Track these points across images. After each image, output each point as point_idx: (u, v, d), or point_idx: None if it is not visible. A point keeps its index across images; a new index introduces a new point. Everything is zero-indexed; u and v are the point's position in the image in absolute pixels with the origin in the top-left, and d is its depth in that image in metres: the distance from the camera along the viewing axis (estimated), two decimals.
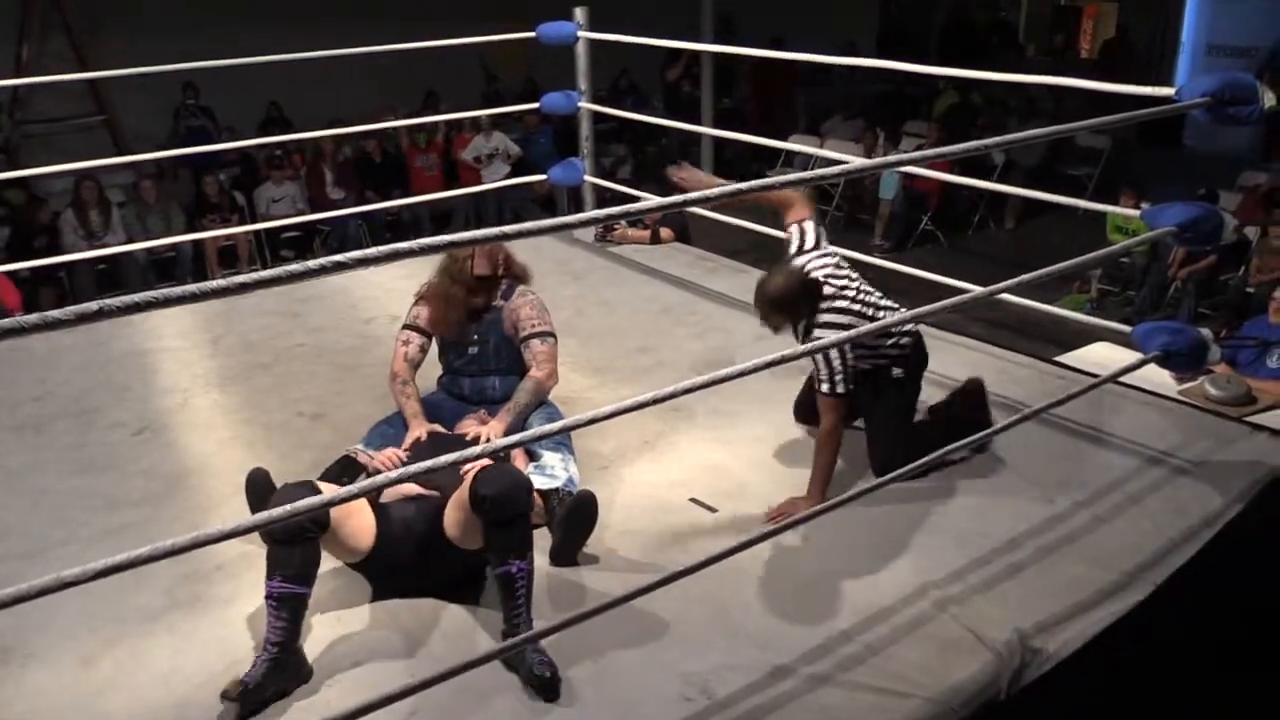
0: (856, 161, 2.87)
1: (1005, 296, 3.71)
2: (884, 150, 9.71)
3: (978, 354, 4.04)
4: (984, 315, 5.90)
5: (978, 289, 3.13)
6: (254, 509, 2.80)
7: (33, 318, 1.31)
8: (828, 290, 3.03)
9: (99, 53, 9.16)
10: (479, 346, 3.35)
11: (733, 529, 2.91)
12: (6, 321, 1.38)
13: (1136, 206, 7.37)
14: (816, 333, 3.00)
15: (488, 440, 3.01)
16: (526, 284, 3.45)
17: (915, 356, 3.20)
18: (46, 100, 9.51)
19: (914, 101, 12.03)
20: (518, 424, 3.15)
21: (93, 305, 1.28)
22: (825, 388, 2.96)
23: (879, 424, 3.20)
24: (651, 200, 2.31)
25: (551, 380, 3.30)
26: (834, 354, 2.93)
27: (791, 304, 3.00)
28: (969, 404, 3.32)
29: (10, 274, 6.58)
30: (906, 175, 8.71)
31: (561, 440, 3.19)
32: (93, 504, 3.18)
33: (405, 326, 3.40)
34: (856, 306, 3.03)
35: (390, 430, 3.25)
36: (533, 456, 3.13)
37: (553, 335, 3.36)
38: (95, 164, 6.87)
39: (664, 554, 2.80)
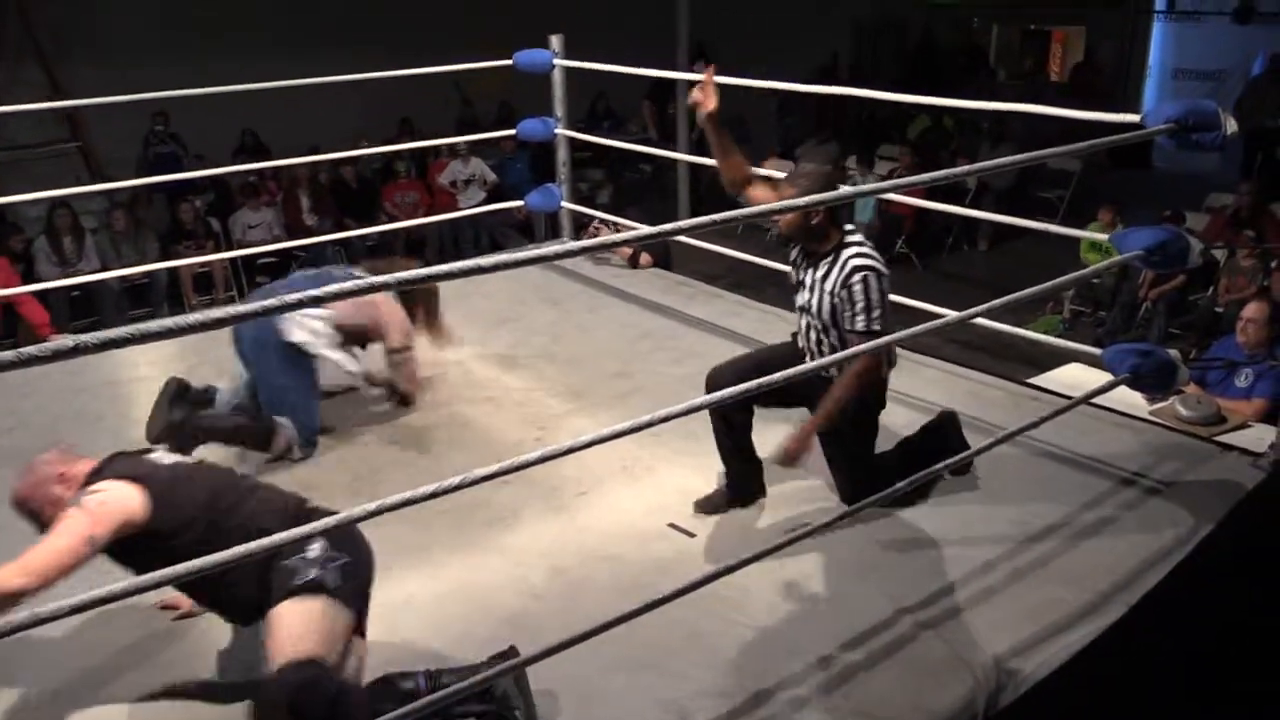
0: (846, 189, 2.87)
1: (979, 319, 3.76)
2: (860, 174, 9.80)
3: (952, 376, 4.08)
4: (957, 337, 5.96)
5: (952, 313, 3.16)
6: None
7: (8, 355, 1.31)
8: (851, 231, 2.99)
9: (72, 79, 9.12)
10: None
11: (710, 554, 2.92)
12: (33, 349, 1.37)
13: (1115, 223, 7.48)
14: (854, 262, 2.90)
15: None
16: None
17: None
18: (19, 127, 9.45)
19: (886, 125, 12.17)
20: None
21: (68, 341, 1.28)
22: (863, 324, 2.87)
23: (844, 443, 3.09)
24: (639, 230, 2.31)
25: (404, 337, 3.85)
26: (874, 285, 2.87)
27: (826, 184, 2.86)
28: (933, 438, 3.29)
29: None
30: (881, 199, 8.79)
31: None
32: None
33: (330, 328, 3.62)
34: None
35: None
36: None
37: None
38: (66, 192, 6.83)
39: (643, 580, 2.79)
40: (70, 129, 9.67)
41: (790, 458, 2.87)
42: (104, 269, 7.93)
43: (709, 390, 3.06)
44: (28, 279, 7.55)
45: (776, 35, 12.10)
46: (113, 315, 8.06)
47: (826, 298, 2.95)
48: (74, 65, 9.29)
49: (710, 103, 3.10)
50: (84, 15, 9.51)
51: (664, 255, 5.67)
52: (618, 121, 11.97)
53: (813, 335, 3.05)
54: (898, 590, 2.74)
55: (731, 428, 3.14)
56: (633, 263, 5.54)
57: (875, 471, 3.00)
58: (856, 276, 2.88)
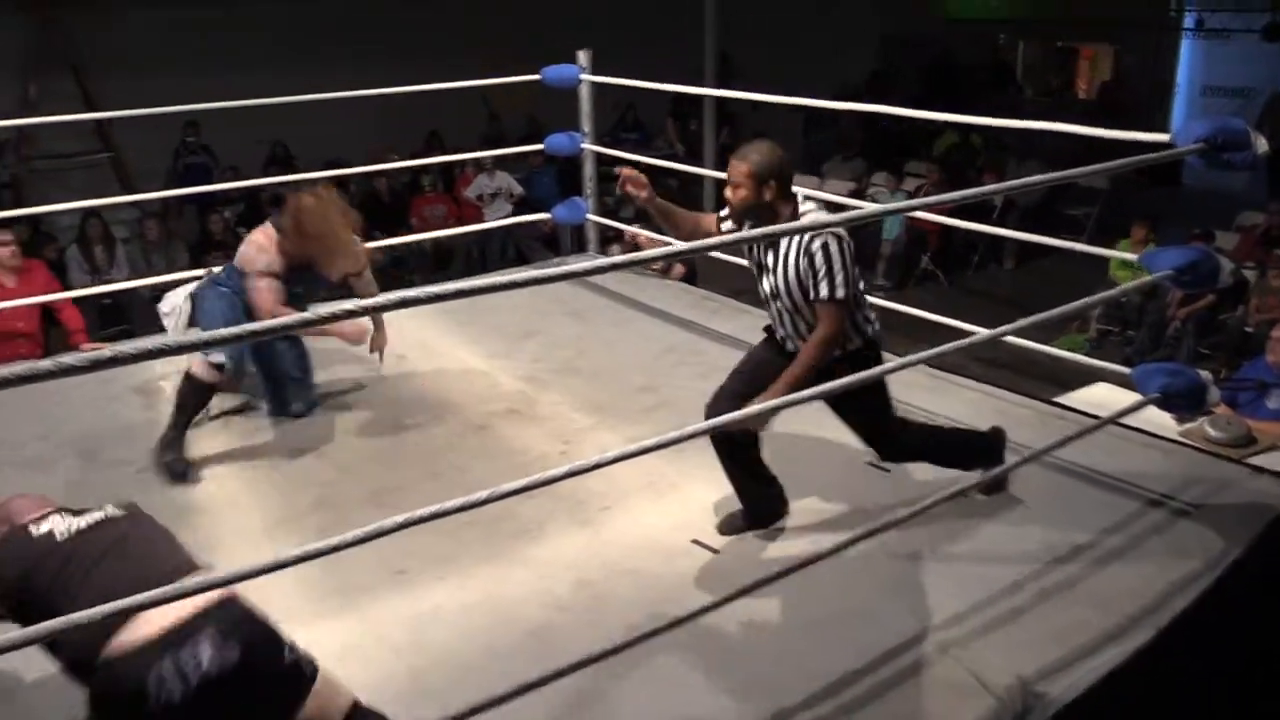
0: (872, 207, 2.88)
1: (1012, 340, 3.75)
2: (887, 190, 9.81)
3: (978, 394, 4.06)
4: (982, 355, 5.93)
5: (979, 330, 3.15)
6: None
7: (46, 364, 1.33)
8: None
9: (105, 91, 9.26)
10: (303, 290, 3.81)
11: (734, 571, 2.91)
12: (20, 368, 1.40)
13: (1147, 240, 7.42)
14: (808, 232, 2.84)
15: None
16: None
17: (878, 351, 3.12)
18: (53, 137, 9.61)
19: (912, 141, 12.15)
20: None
21: (106, 352, 1.30)
22: (825, 291, 2.81)
23: (869, 409, 3.03)
24: (675, 246, 2.32)
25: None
26: (835, 250, 2.81)
27: (772, 169, 2.84)
28: (978, 437, 3.31)
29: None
30: (908, 215, 8.78)
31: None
32: None
33: (261, 275, 3.68)
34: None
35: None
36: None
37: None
38: (98, 202, 6.93)
39: (667, 595, 2.80)
40: (102, 140, 9.82)
41: (745, 428, 2.87)
42: (134, 278, 8.03)
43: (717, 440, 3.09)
44: (64, 287, 7.65)
45: (802, 51, 12.12)
46: (143, 323, 8.14)
47: (791, 273, 2.87)
48: (106, 78, 9.43)
49: (643, 192, 3.07)
50: (116, 29, 9.65)
51: (692, 266, 5.71)
52: (644, 136, 12.01)
53: (786, 320, 2.99)
54: (922, 609, 2.73)
55: (735, 453, 3.11)
56: (664, 273, 5.58)
57: (902, 432, 3.08)
58: (816, 244, 2.81)
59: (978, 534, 3.09)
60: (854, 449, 3.24)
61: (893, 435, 3.12)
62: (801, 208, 2.91)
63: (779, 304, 2.98)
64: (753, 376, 3.03)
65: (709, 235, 3.11)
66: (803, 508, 3.22)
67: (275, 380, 4.02)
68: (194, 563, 2.19)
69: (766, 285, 2.99)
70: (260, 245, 3.69)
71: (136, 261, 8.53)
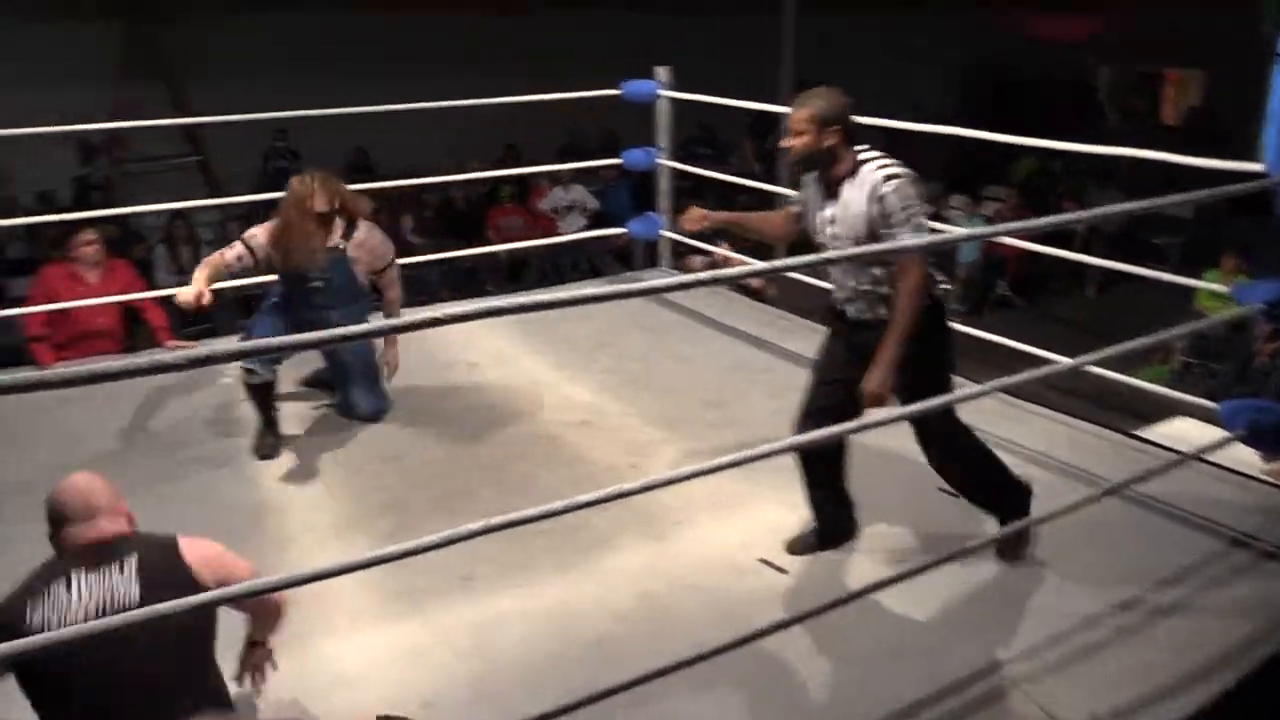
0: (958, 231, 2.81)
1: (1093, 369, 3.67)
2: (965, 214, 9.67)
3: (1054, 424, 3.97)
4: (1061, 384, 5.79)
5: (1058, 358, 3.09)
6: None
7: (142, 360, 1.37)
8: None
9: (195, 96, 9.55)
10: (324, 282, 3.86)
11: (802, 592, 2.89)
12: (116, 364, 1.44)
13: (1238, 271, 7.20)
14: (880, 173, 2.73)
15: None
16: (360, 218, 3.94)
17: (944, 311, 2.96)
18: (144, 141, 9.93)
19: (990, 166, 11.97)
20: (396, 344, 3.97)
21: (202, 350, 1.34)
22: (906, 234, 2.68)
23: (930, 374, 2.84)
24: (755, 265, 2.31)
25: (401, 296, 4.10)
26: (909, 190, 2.70)
27: (835, 114, 2.74)
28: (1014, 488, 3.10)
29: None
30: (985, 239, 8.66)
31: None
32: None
33: (241, 240, 3.85)
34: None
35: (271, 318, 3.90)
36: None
37: (396, 261, 4.06)
38: (184, 205, 7.13)
39: (733, 613, 2.78)
40: (191, 144, 10.12)
41: (873, 398, 2.74)
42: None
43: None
44: (150, 286, 7.88)
45: (881, 75, 12.02)
46: (223, 323, 8.35)
47: (859, 220, 2.75)
48: (197, 83, 9.72)
49: (699, 225, 3.06)
50: (209, 37, 9.95)
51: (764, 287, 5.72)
52: (719, 153, 12.02)
53: (850, 280, 2.87)
54: (992, 642, 2.68)
55: (821, 469, 3.09)
56: (743, 288, 5.60)
57: (956, 424, 2.95)
58: (887, 185, 2.70)
59: (1052, 567, 3.02)
60: (926, 473, 3.19)
61: (948, 426, 2.95)
62: (862, 157, 2.80)
63: (844, 260, 2.83)
64: (834, 382, 2.96)
65: (783, 231, 3.09)
66: (872, 531, 3.18)
67: (341, 381, 4.09)
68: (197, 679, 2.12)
69: (828, 234, 2.86)
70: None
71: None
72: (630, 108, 5.51)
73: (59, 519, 2.13)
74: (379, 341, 4.05)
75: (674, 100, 5.43)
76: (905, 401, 2.77)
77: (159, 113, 9.21)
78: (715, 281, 2.72)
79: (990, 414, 3.80)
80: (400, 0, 10.33)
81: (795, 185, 3.04)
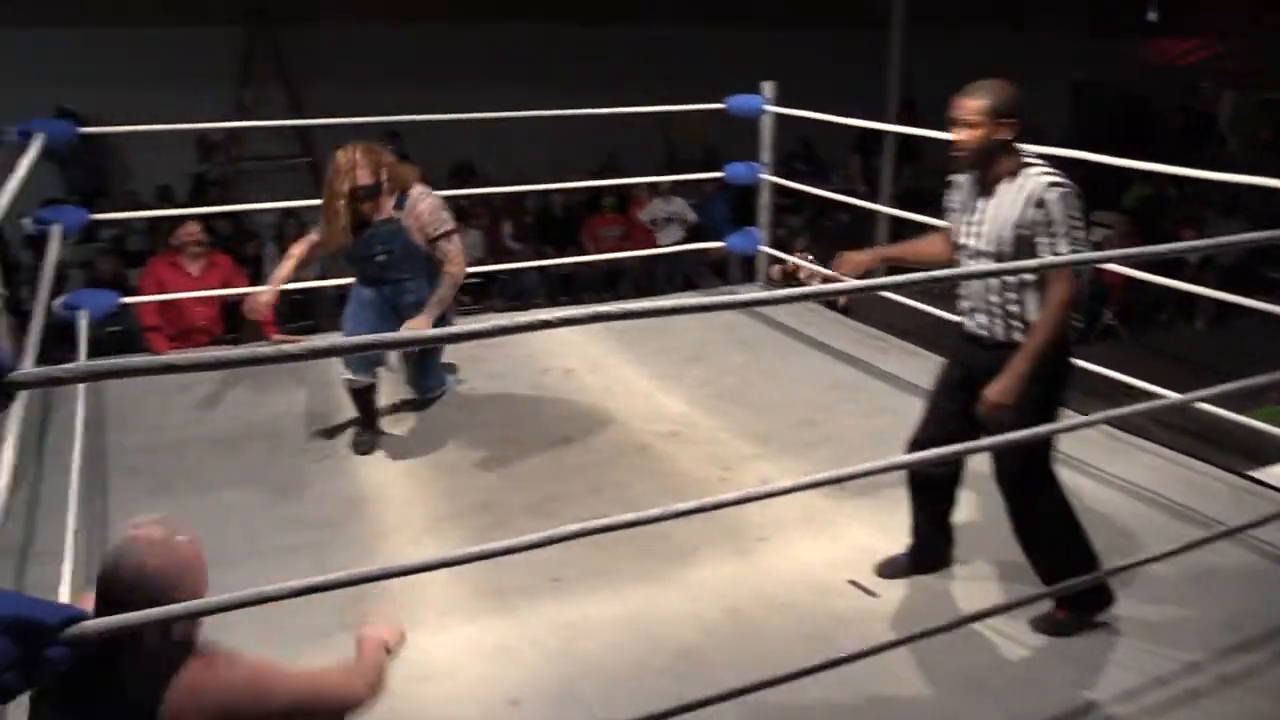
0: (1079, 256, 2.68)
1: (1204, 407, 3.55)
2: None
3: (1161, 460, 3.84)
4: (1167, 420, 5.60)
5: (1165, 392, 2.99)
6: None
7: (269, 350, 1.42)
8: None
9: (311, 99, 9.86)
10: (386, 255, 3.72)
11: (892, 617, 2.84)
12: (241, 352, 1.50)
13: None
14: (1043, 179, 2.59)
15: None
16: (411, 186, 3.74)
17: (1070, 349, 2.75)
18: (260, 140, 10.29)
19: (1101, 189, 11.64)
20: (437, 312, 3.63)
21: (322, 342, 1.38)
22: (1065, 246, 2.54)
23: (1033, 408, 2.60)
24: (843, 284, 2.30)
25: (462, 271, 3.79)
26: (1072, 203, 2.56)
27: (1010, 106, 2.61)
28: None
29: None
30: (1091, 266, 8.41)
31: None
32: (276, 522, 3.37)
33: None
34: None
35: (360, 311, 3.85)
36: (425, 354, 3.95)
37: (455, 231, 3.78)
38: (297, 204, 7.36)
39: (819, 633, 2.75)
40: (304, 145, 10.45)
41: (993, 407, 2.59)
42: (323, 277, 8.47)
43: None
44: (255, 281, 8.16)
45: None
46: (326, 320, 8.59)
47: (1008, 227, 2.61)
48: (313, 88, 10.04)
49: (863, 267, 2.98)
50: (325, 42, 10.28)
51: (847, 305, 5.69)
52: (818, 169, 11.93)
53: (992, 293, 2.69)
54: (1091, 680, 2.60)
55: (930, 494, 3.01)
56: (830, 303, 5.55)
57: (1044, 473, 2.74)
58: (1052, 193, 2.55)
59: (1157, 608, 2.91)
60: None
61: (1035, 462, 2.73)
62: (1027, 159, 2.67)
63: (986, 264, 2.67)
64: (952, 410, 2.80)
65: (945, 252, 2.88)
66: (967, 560, 3.11)
67: (408, 357, 4.08)
68: None
69: (973, 240, 2.72)
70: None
71: (325, 262, 8.97)
72: (731, 122, 5.51)
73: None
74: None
75: (777, 116, 5.42)
76: (999, 415, 2.61)
77: (275, 115, 9.60)
78: (808, 296, 2.70)
79: (1094, 445, 3.71)
80: (510, 13, 10.51)
81: (905, 203, 2.99)
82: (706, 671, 2.59)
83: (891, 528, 3.30)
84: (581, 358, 4.76)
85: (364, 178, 3.60)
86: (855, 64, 10.63)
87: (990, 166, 2.67)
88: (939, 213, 3.09)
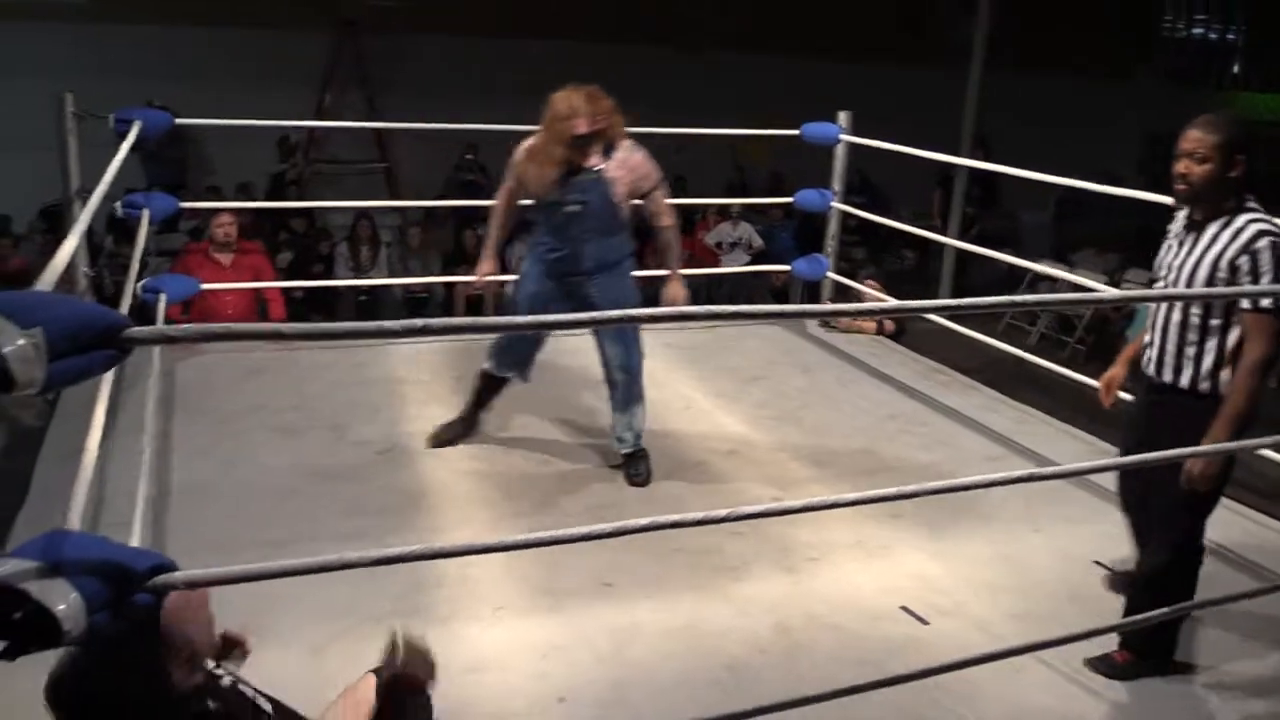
0: (1176, 289, 2.59)
1: (1267, 454, 3.49)
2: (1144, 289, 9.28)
3: (1226, 513, 3.76)
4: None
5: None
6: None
7: (369, 325, 1.46)
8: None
9: (388, 108, 10.09)
10: (580, 206, 3.58)
11: (943, 644, 2.82)
12: (367, 325, 1.53)
13: None
14: (1256, 226, 2.48)
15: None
16: (622, 140, 3.63)
17: None
18: (338, 144, 10.54)
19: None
20: (681, 267, 3.88)
21: (418, 322, 1.43)
22: (1269, 301, 2.42)
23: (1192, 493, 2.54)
24: (889, 302, 2.30)
25: (675, 224, 3.86)
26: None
27: (1243, 142, 2.49)
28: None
29: (285, 293, 7.23)
30: None
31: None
32: (337, 508, 3.44)
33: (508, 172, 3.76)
34: None
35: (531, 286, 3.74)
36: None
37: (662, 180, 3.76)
38: (372, 204, 7.55)
39: (868, 656, 2.74)
40: (380, 151, 10.68)
41: (1197, 477, 2.50)
42: (391, 278, 8.65)
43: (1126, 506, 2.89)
44: (319, 275, 8.38)
45: (1061, 144, 11.72)
46: (391, 319, 8.73)
47: (1209, 265, 2.51)
48: (390, 97, 10.27)
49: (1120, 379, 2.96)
50: (406, 52, 10.52)
51: (899, 328, 5.66)
52: (874, 200, 11.88)
53: (1172, 336, 2.60)
54: None
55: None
56: (879, 328, 5.56)
57: (1202, 529, 2.68)
58: (1263, 241, 2.44)
59: (1215, 659, 2.85)
60: (1100, 546, 3.07)
61: (1202, 516, 2.67)
62: (1249, 204, 2.55)
63: (1177, 311, 2.60)
64: (1133, 444, 2.74)
65: None
66: (1027, 594, 3.09)
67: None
68: None
69: (1171, 275, 2.61)
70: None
71: (394, 265, 9.16)
72: (796, 150, 5.55)
73: None
74: (634, 287, 3.83)
75: (852, 145, 5.44)
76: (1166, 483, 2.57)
77: (353, 119, 9.84)
78: (873, 312, 2.71)
79: None
80: (584, 32, 10.66)
81: (984, 240, 2.98)
82: (754, 686, 2.60)
83: (946, 555, 3.30)
84: (661, 365, 4.78)
85: (582, 126, 3.50)
86: (928, 104, 10.60)
87: (1212, 204, 2.55)
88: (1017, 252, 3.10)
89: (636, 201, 3.74)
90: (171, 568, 1.45)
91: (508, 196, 3.84)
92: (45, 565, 1.31)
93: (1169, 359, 2.62)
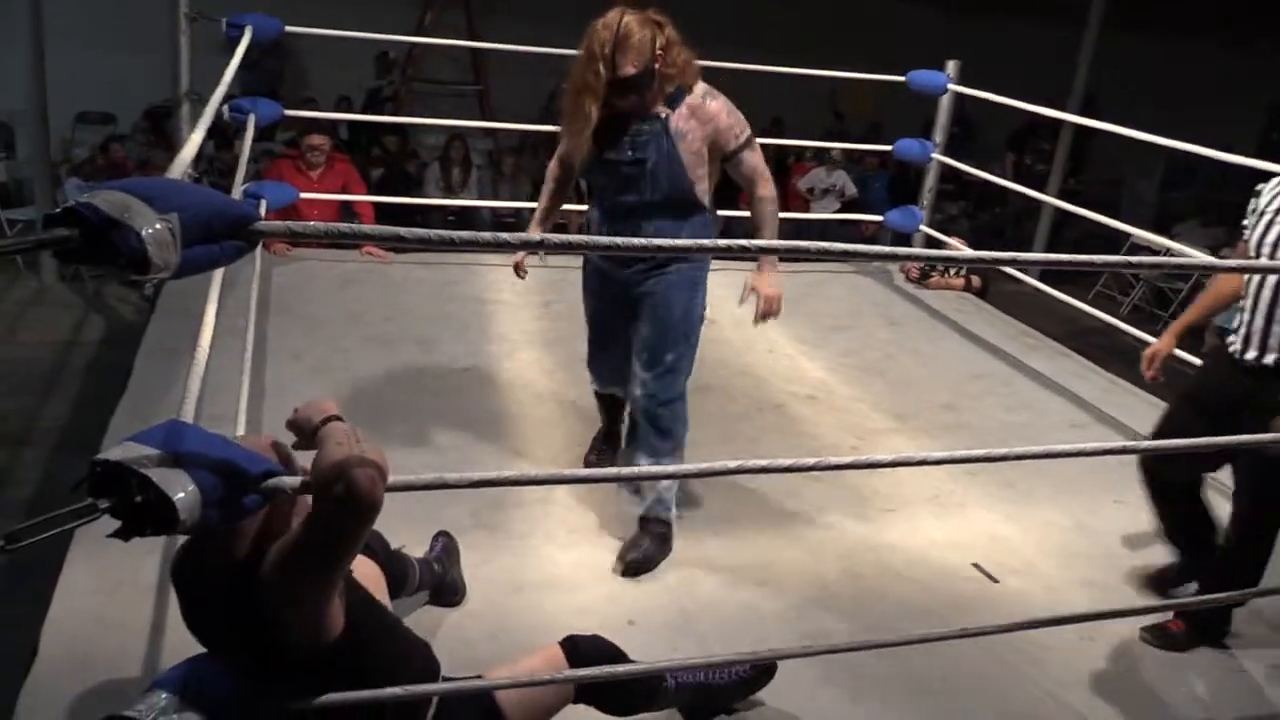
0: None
1: None
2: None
3: None
4: None
5: None
6: None
7: (486, 236, 1.48)
8: None
9: (488, 29, 10.05)
10: (638, 165, 2.70)
11: (1014, 603, 2.82)
12: (485, 236, 1.54)
13: None
14: None
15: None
16: (695, 82, 2.72)
17: None
18: (435, 64, 10.55)
19: None
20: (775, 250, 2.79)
21: (536, 235, 1.45)
22: None
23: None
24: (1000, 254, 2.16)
25: (774, 192, 2.84)
26: None
27: None
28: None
29: (375, 208, 7.34)
30: None
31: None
32: (426, 420, 3.52)
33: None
34: None
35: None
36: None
37: (753, 137, 2.77)
38: (471, 124, 7.57)
39: (936, 610, 2.75)
40: (476, 74, 10.67)
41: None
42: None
43: (1146, 474, 2.80)
44: (405, 190, 8.48)
45: (1175, 108, 11.28)
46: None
47: None
48: (492, 18, 10.22)
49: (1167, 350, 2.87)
50: None
51: (985, 279, 5.55)
52: (982, 157, 11.60)
53: (1269, 323, 2.52)
54: (1218, 701, 2.53)
55: (1170, 497, 2.81)
56: (967, 284, 5.45)
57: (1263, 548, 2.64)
58: None
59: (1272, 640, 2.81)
60: None
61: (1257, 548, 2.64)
62: None
63: (1267, 290, 2.51)
64: (1198, 408, 2.68)
65: (1240, 287, 2.66)
66: (1101, 560, 3.06)
67: None
68: None
69: (1267, 249, 2.53)
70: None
71: (485, 189, 9.21)
72: (894, 99, 5.42)
73: None
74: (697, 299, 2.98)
75: (957, 95, 5.31)
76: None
77: (453, 39, 9.84)
78: (953, 259, 2.65)
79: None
80: None
81: (1069, 195, 2.88)
82: (821, 628, 2.63)
83: (1021, 518, 3.27)
84: (724, 311, 4.74)
85: (628, 66, 2.56)
86: (1040, 60, 10.25)
87: None
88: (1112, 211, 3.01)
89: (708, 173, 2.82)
90: (280, 473, 1.51)
91: (558, 164, 3.01)
92: (166, 454, 1.37)
93: (1261, 338, 2.53)
